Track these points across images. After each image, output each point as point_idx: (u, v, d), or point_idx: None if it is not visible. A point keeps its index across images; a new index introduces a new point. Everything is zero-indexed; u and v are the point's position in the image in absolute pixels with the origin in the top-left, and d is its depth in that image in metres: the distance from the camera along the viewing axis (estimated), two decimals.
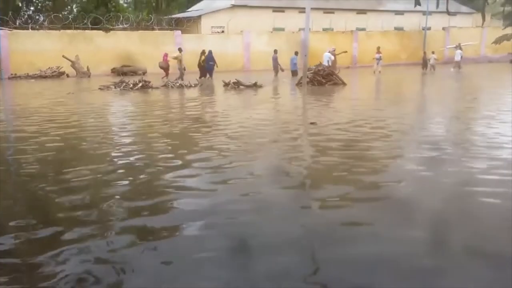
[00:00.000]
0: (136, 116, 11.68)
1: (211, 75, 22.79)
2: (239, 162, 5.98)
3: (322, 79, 18.56)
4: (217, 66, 23.30)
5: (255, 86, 18.36)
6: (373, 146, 6.90)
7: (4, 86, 21.01)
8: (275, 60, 24.34)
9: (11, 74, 24.90)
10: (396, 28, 37.63)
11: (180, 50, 23.08)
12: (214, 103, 14.54)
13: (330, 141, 7.24)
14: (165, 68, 23.68)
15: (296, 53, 23.98)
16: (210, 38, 30.00)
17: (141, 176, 5.36)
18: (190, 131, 8.68)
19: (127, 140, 7.80)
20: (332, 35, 33.42)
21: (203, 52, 23.38)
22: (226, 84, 18.93)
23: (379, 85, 20.85)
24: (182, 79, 20.85)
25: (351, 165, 5.76)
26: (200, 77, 22.67)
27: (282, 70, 23.82)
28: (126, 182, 5.16)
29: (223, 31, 32.19)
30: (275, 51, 24.32)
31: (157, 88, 18.35)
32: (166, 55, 23.91)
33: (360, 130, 8.30)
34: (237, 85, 18.55)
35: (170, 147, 7.17)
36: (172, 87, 18.67)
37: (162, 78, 22.23)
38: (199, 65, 23.40)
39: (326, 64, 20.93)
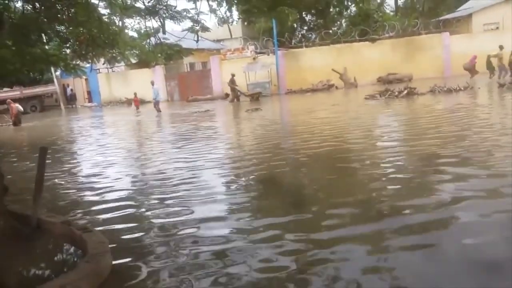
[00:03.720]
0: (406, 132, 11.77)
1: None
2: None
3: None
4: None
5: None
6: None
7: (281, 100, 23.94)
8: None
9: (288, 89, 28.10)
10: None
11: (501, 47, 21.61)
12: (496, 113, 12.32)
13: None
14: (470, 69, 22.99)
15: None
16: (481, 36, 27.85)
17: None
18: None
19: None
20: None
21: None
22: (501, 85, 17.45)
23: None
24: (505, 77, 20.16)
25: None
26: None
27: None
28: None
29: (497, 28, 29.47)
30: None
31: (423, 94, 18.05)
32: (475, 57, 23.09)
33: None
34: None
35: None
36: (439, 92, 18.14)
37: (471, 78, 21.83)
38: (510, 64, 21.58)
39: None
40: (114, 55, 12.05)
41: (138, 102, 25.97)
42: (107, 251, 3.86)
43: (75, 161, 10.44)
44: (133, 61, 15.90)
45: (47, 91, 35.22)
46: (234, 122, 16.73)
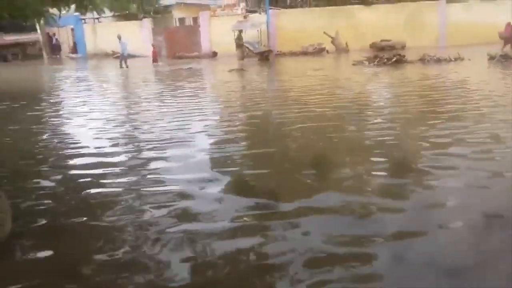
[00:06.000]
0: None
1: None
2: None
3: None
4: None
5: None
6: None
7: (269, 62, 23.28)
8: None
9: (277, 51, 27.18)
10: None
11: None
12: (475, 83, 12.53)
13: None
14: (507, 38, 21.83)
15: None
16: (477, 7, 27.04)
17: None
18: None
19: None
20: None
21: None
22: (491, 58, 17.04)
23: None
24: None
25: None
26: None
27: None
28: None
29: None
30: None
31: (412, 62, 17.60)
32: (509, 24, 21.82)
33: None
34: (504, 59, 16.59)
35: None
36: (428, 61, 17.68)
37: (502, 48, 20.51)
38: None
39: None
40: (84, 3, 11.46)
41: (156, 54, 25.13)
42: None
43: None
44: (107, 11, 15.24)
45: (29, 39, 34.00)
46: (208, 84, 16.20)
